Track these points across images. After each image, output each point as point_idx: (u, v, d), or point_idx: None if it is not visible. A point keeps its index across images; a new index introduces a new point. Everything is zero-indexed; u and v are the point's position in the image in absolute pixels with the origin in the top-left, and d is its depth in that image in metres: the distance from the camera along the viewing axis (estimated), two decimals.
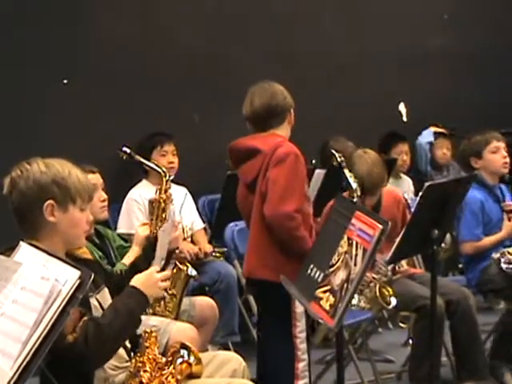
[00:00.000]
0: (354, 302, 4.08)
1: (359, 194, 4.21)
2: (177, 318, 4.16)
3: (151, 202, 4.23)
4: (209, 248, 5.25)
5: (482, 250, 4.87)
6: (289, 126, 3.93)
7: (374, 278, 4.33)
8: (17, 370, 1.99)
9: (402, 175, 6.45)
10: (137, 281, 2.88)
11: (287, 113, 3.90)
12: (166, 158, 5.30)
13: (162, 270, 3.05)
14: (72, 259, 2.71)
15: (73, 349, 2.51)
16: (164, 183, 4.28)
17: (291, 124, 3.95)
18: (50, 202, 2.73)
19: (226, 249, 5.24)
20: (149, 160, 4.78)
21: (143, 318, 3.87)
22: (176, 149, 5.38)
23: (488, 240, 4.88)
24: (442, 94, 6.98)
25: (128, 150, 4.40)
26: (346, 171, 4.50)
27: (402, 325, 5.55)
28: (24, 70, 5.18)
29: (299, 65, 6.27)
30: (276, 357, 3.86)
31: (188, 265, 4.35)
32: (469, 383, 4.51)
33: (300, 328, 3.73)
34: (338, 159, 4.57)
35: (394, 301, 4.17)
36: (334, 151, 4.60)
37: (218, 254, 5.26)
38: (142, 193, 5.09)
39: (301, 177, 3.73)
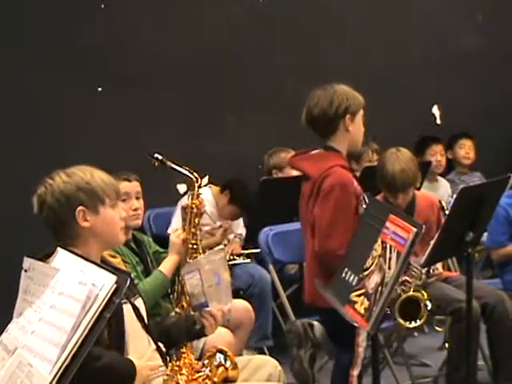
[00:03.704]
0: None
1: None
2: None
3: (184, 208, 4.23)
4: (237, 250, 5.24)
5: (506, 257, 4.85)
6: (346, 133, 3.75)
7: (408, 281, 4.30)
8: (55, 375, 2.02)
9: (439, 178, 6.33)
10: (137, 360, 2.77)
11: (340, 120, 3.73)
12: None
13: None
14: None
15: None
16: (196, 189, 4.29)
17: (354, 129, 3.76)
18: (81, 208, 2.76)
19: (259, 250, 5.21)
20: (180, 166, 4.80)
21: None
22: None
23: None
24: (477, 96, 6.94)
25: (160, 157, 4.41)
26: None
27: (437, 328, 5.52)
28: (57, 78, 5.24)
29: (331, 67, 6.27)
30: (338, 364, 3.85)
31: None
32: None
33: (362, 337, 3.58)
34: None
35: (428, 304, 4.16)
36: None
37: (247, 254, 5.24)
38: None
39: (347, 208, 3.64)
